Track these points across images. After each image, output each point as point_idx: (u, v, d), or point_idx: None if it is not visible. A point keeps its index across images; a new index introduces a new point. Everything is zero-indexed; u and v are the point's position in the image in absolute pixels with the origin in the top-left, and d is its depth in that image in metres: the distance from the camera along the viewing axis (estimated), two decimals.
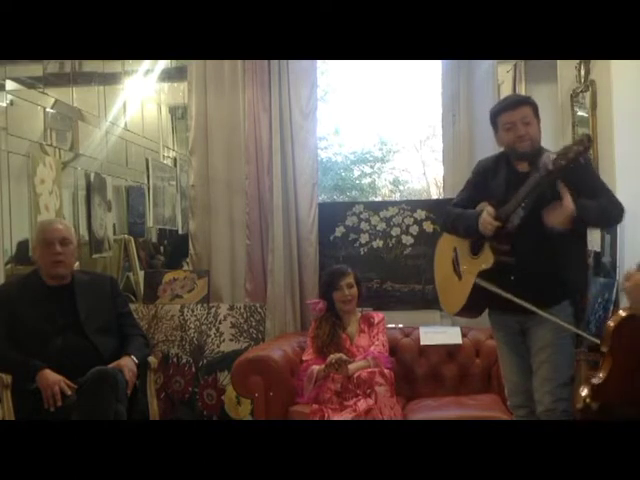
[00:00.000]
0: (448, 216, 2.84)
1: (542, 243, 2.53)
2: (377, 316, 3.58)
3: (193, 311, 4.00)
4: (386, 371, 3.32)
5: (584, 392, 2.30)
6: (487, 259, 2.60)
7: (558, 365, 2.57)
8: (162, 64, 5.00)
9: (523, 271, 2.56)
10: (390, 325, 3.76)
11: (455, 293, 2.81)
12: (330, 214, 4.14)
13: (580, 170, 2.50)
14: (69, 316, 2.98)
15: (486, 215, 2.58)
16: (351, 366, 3.27)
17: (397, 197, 10.69)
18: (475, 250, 2.69)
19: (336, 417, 3.05)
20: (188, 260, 4.33)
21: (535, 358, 2.61)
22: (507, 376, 2.79)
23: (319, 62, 4.36)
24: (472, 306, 2.74)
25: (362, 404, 3.09)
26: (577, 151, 2.32)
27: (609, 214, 2.55)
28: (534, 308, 2.53)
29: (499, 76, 4.35)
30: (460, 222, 2.74)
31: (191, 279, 4.12)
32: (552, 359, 2.57)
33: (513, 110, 2.61)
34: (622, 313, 2.36)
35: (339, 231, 4.13)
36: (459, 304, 2.75)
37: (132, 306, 3.56)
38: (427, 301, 4.02)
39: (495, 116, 2.68)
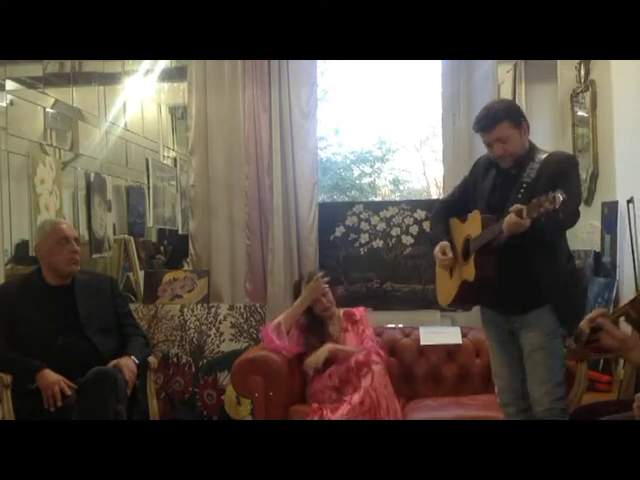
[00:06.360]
0: (432, 214, 3.01)
1: (515, 254, 2.53)
2: (358, 311, 3.55)
3: (193, 311, 4.00)
4: (380, 351, 3.33)
5: None
6: (470, 272, 2.61)
7: (552, 366, 2.61)
8: (162, 64, 4.99)
9: (501, 282, 2.58)
10: (390, 325, 3.75)
11: (446, 287, 2.84)
12: (330, 214, 4.14)
13: (563, 179, 2.50)
14: (69, 316, 2.98)
15: (437, 249, 2.76)
16: (343, 347, 3.30)
17: (397, 197, 10.70)
18: (466, 255, 2.68)
19: (336, 417, 3.05)
20: (188, 260, 4.33)
21: (528, 360, 2.65)
22: (497, 373, 2.81)
23: (319, 62, 4.35)
24: (461, 302, 2.84)
25: (356, 398, 3.09)
26: (546, 209, 2.28)
27: (562, 227, 2.56)
28: None
29: (499, 76, 4.36)
30: (431, 230, 2.95)
31: (191, 279, 4.12)
32: (545, 361, 2.61)
33: (487, 132, 2.63)
34: None
35: (339, 231, 4.13)
36: (449, 298, 2.79)
37: (132, 306, 3.56)
38: (427, 301, 4.02)
39: (475, 132, 2.71)
